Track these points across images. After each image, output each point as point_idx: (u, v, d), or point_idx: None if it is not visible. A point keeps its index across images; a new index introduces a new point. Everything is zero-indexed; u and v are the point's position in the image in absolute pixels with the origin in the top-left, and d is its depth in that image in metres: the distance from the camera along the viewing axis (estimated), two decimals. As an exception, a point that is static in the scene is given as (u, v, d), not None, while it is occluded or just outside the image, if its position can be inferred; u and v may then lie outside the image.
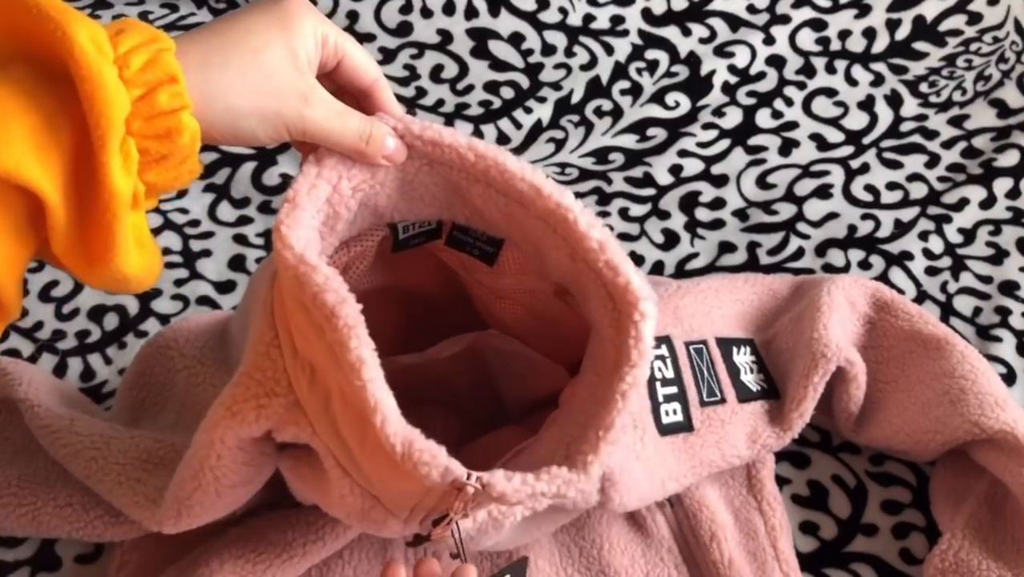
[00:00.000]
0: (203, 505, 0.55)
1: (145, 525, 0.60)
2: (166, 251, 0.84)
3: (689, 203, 0.89)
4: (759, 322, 0.74)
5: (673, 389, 0.64)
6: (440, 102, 0.98)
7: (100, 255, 0.43)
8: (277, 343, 0.50)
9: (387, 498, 0.49)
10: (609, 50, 1.02)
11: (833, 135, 0.95)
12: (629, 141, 0.95)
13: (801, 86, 0.99)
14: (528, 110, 0.97)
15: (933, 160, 0.92)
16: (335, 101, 0.48)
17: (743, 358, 0.70)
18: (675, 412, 0.64)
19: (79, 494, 0.64)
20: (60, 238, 0.43)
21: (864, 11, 1.04)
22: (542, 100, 0.98)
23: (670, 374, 0.65)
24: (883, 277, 0.82)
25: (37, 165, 0.40)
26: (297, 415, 0.50)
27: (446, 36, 1.02)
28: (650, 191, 0.90)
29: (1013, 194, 0.88)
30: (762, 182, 0.91)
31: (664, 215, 0.88)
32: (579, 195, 0.88)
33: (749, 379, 0.69)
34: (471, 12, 1.03)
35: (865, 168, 0.91)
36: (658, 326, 0.68)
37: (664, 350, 0.66)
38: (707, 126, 0.95)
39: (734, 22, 1.03)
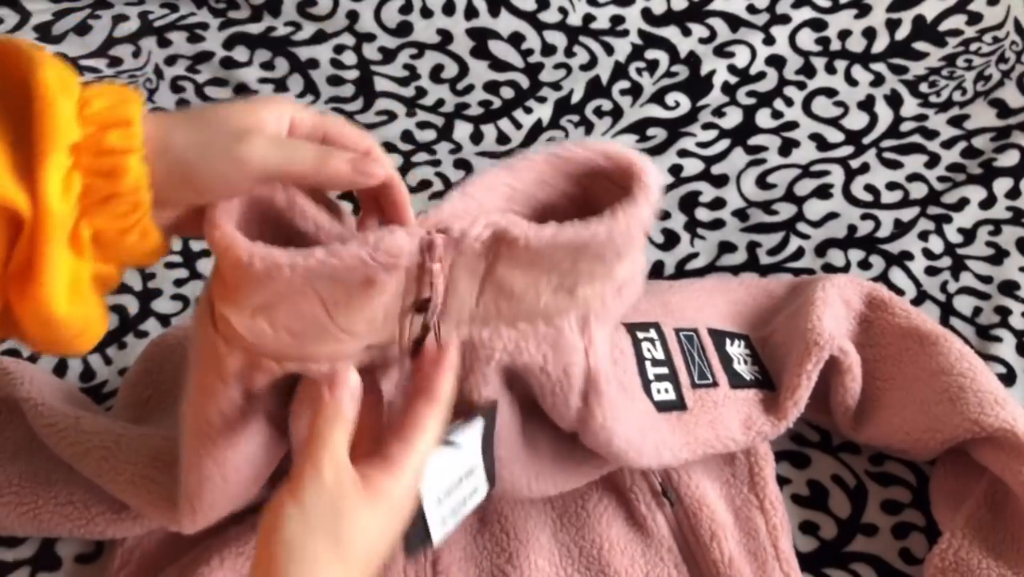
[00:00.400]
0: (214, 495, 0.55)
1: (164, 526, 0.60)
2: (166, 251, 0.85)
3: (689, 203, 0.89)
4: (754, 321, 0.74)
5: (663, 369, 0.65)
6: (440, 102, 0.98)
7: (30, 279, 0.43)
8: (211, 310, 0.51)
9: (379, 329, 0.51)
10: (609, 50, 1.02)
11: (833, 135, 0.95)
12: (629, 141, 0.95)
13: (801, 86, 0.99)
14: (528, 110, 0.97)
15: (933, 160, 0.92)
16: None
17: (736, 350, 0.70)
18: (667, 391, 0.64)
19: (80, 492, 0.64)
20: (15, 260, 0.43)
21: (864, 11, 1.04)
22: (542, 100, 0.98)
23: (660, 355, 0.65)
24: (883, 277, 0.82)
25: (13, 184, 0.42)
26: (253, 358, 0.50)
27: (446, 36, 1.02)
28: (650, 191, 0.90)
29: (1013, 194, 0.88)
30: (762, 182, 0.91)
31: (664, 215, 0.88)
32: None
33: (743, 369, 0.69)
34: (471, 12, 1.03)
35: (865, 168, 0.91)
36: (648, 316, 0.68)
37: (653, 333, 0.66)
38: (707, 126, 0.95)
39: (734, 22, 1.04)
